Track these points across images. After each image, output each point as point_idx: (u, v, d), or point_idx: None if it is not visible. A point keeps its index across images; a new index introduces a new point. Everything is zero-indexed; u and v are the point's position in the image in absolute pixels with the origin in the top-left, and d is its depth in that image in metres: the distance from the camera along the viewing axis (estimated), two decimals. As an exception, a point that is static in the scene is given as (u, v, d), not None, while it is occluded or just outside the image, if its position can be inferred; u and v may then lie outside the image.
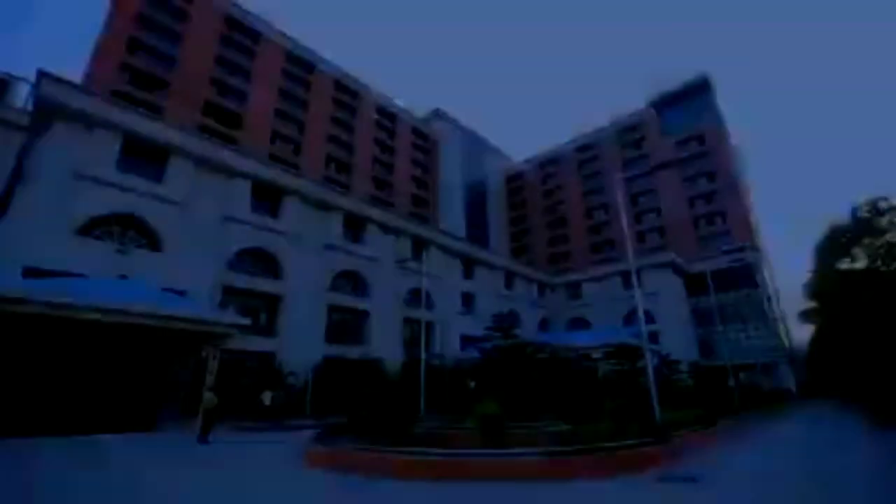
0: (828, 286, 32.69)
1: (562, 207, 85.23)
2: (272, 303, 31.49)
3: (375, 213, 41.35)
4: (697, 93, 74.81)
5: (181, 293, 22.99)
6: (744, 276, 55.71)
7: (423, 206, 71.09)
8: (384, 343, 37.05)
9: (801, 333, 59.08)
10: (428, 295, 42.32)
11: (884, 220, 30.12)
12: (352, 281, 37.64)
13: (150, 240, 25.60)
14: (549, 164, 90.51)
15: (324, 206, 36.81)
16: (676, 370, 28.14)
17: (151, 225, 25.36)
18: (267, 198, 33.73)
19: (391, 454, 8.35)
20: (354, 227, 39.89)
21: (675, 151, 72.24)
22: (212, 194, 29.34)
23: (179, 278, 24.14)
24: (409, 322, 39.72)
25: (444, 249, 47.37)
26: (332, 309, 34.88)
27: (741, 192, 66.57)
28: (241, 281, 29.34)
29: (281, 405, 21.42)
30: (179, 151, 27.95)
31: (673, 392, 23.86)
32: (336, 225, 37.23)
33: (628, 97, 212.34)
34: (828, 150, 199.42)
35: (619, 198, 14.71)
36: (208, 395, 15.83)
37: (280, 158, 51.61)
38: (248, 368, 27.71)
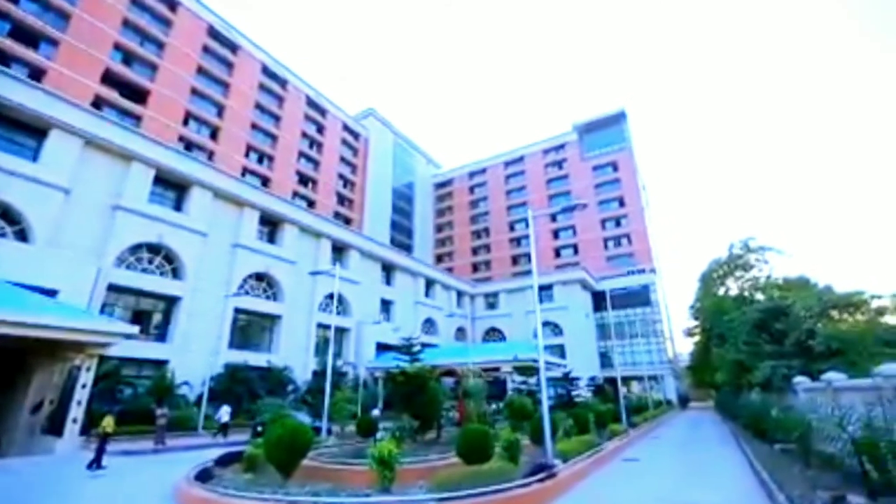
0: (707, 309, 37.12)
1: (487, 218, 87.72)
2: (169, 304, 28.68)
3: (294, 211, 39.38)
4: (615, 122, 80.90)
5: (51, 293, 20.02)
6: (642, 296, 61.33)
7: (348, 206, 69.27)
8: (295, 350, 35.45)
9: (685, 348, 66.18)
10: (343, 300, 41.23)
11: (752, 258, 34.81)
12: (264, 283, 35.51)
13: (16, 228, 22.08)
14: (477, 174, 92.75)
15: (236, 202, 34.34)
16: (577, 386, 30.01)
17: (17, 210, 21.87)
18: (171, 187, 30.72)
19: (270, 500, 7.83)
20: (271, 225, 37.74)
21: (592, 175, 77.70)
22: (102, 179, 26.06)
23: (50, 275, 21.01)
24: (323, 328, 38.34)
25: (366, 254, 46.50)
26: (240, 312, 32.64)
27: (645, 219, 73.21)
28: (132, 279, 26.35)
29: (169, 421, 19.40)
30: (60, 125, 24.36)
31: (572, 409, 25.53)
32: (249, 222, 34.89)
33: (557, 116, 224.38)
34: (725, 184, 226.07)
35: (531, 226, 15.30)
36: (108, 419, 13.88)
37: (193, 143, 47.35)
38: (135, 378, 24.90)
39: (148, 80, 44.40)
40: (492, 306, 63.99)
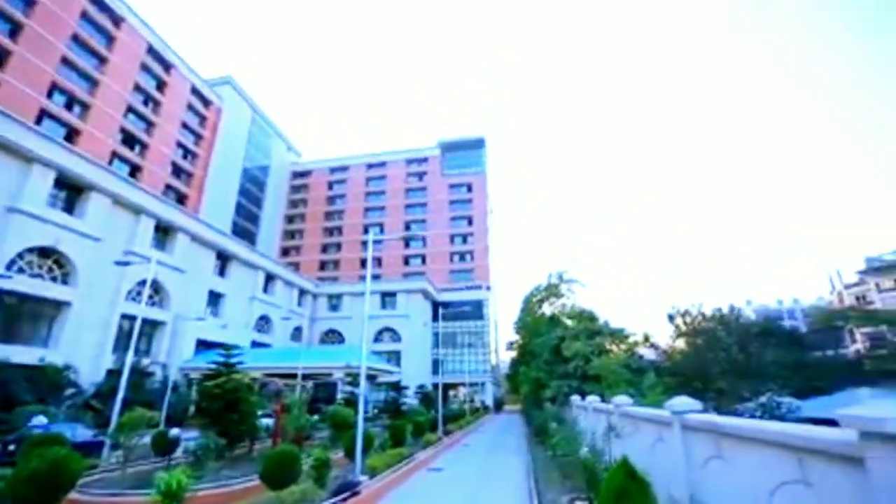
0: (526, 327, 42.60)
1: (342, 216, 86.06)
2: None
3: (104, 177, 32.77)
4: (475, 147, 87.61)
5: None
6: (476, 310, 67.29)
7: (185, 180, 60.72)
8: (87, 345, 29.56)
9: (507, 356, 74.59)
10: (162, 289, 36.04)
11: (563, 287, 41.10)
12: (51, 261, 28.83)
13: None
14: (339, 170, 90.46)
15: (10, 149, 26.80)
16: (405, 395, 31.44)
17: None
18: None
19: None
20: (71, 190, 30.95)
21: (448, 192, 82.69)
22: None
23: None
24: (130, 320, 32.77)
25: (198, 239, 41.40)
26: (6, 295, 25.88)
27: (488, 239, 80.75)
28: None
29: None
30: None
31: (397, 418, 26.71)
32: (40, 182, 28.05)
33: (422, 129, 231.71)
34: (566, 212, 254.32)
35: (369, 243, 15.84)
36: None
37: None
38: None
39: None
40: (334, 308, 62.79)
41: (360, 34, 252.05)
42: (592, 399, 14.60)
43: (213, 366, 15.19)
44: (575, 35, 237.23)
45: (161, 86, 57.69)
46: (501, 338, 79.23)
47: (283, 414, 15.17)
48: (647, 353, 24.38)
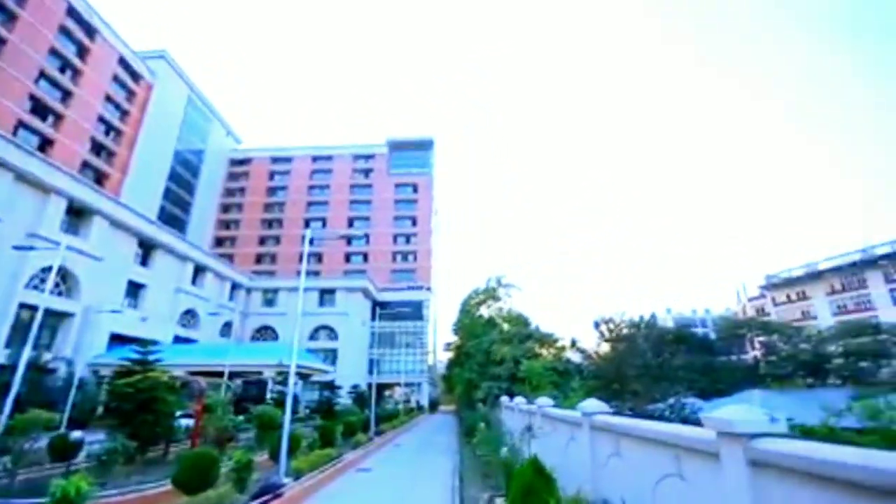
0: (464, 328, 43.30)
1: (283, 208, 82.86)
2: None
3: (5, 148, 29.22)
4: (423, 147, 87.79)
5: None
6: (416, 310, 67.43)
7: (106, 159, 55.70)
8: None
9: (444, 356, 75.42)
10: (71, 277, 32.84)
11: (501, 291, 42.30)
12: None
13: None
14: (281, 160, 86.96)
15: None
16: (339, 395, 30.93)
17: None
18: None
19: None
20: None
21: (394, 191, 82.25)
22: None
23: None
24: (31, 310, 29.52)
25: (117, 224, 38.14)
26: None
27: (431, 241, 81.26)
28: None
29: None
30: None
31: (330, 417, 26.24)
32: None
33: (369, 124, 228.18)
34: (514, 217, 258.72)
35: (306, 241, 15.54)
36: None
37: None
38: None
39: None
40: (269, 303, 60.29)
41: (314, 28, 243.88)
42: (519, 400, 15.24)
43: (126, 362, 14.13)
44: (527, 41, 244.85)
45: (83, 52, 52.51)
46: (440, 339, 79.97)
47: (204, 414, 14.42)
48: (575, 357, 25.82)
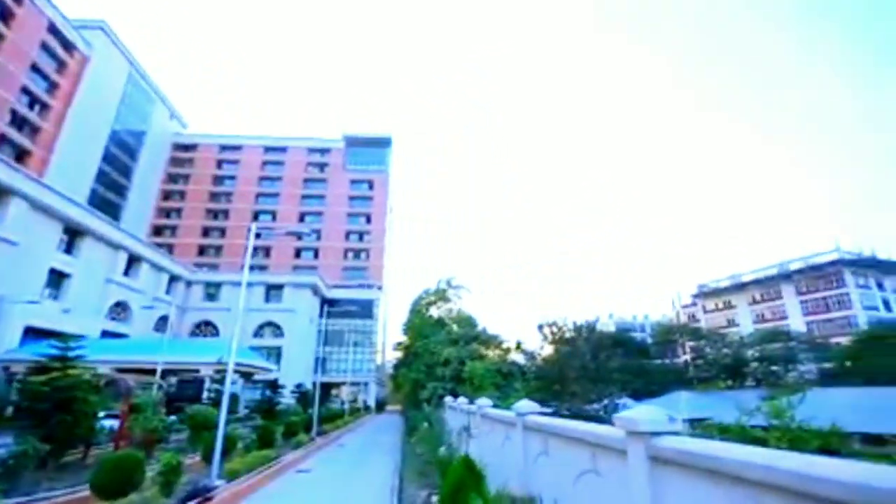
0: (414, 328, 43.36)
1: (231, 199, 79.25)
2: None
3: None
4: (381, 145, 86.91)
5: None
6: (366, 309, 66.65)
7: (30, 134, 50.89)
8: None
9: (393, 356, 74.98)
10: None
11: (451, 293, 42.79)
12: None
13: None
14: (231, 149, 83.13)
15: None
16: (281, 394, 30.04)
17: None
18: None
19: None
20: None
21: (349, 187, 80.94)
22: None
23: None
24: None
25: (39, 207, 34.97)
26: None
27: (385, 239, 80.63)
28: None
29: None
30: None
31: (270, 416, 25.46)
32: None
33: (326, 119, 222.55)
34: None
35: (251, 237, 15.08)
36: None
37: None
38: None
39: None
40: (211, 297, 57.41)
41: (273, 20, 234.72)
42: (461, 401, 15.56)
43: (42, 358, 13.05)
44: (493, 39, 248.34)
45: (5, 14, 47.69)
46: (390, 339, 79.51)
47: (130, 415, 13.58)
48: (520, 359, 26.63)
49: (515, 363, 25.63)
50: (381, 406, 68.75)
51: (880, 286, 63.73)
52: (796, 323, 61.26)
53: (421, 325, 39.80)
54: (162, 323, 50.04)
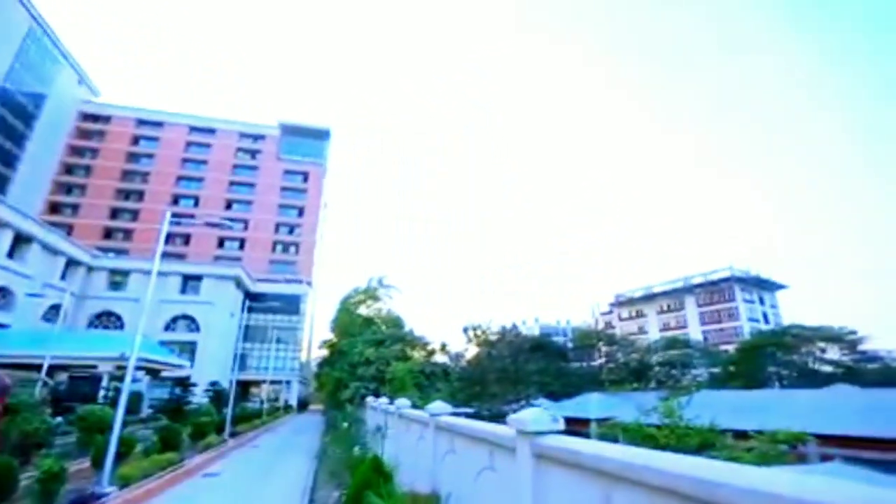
0: (342, 326, 42.59)
1: (147, 179, 72.61)
2: None
3: None
4: (319, 137, 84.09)
5: None
6: (293, 305, 64.17)
7: None
8: None
9: (318, 354, 72.81)
10: None
11: (381, 292, 42.60)
12: None
13: None
14: (150, 125, 76.16)
15: None
16: (192, 392, 28.18)
17: None
18: None
19: None
20: None
21: (282, 177, 77.55)
22: None
23: None
24: None
25: None
26: None
27: (317, 234, 78.21)
28: None
29: None
30: None
31: (177, 416, 23.78)
32: None
33: (262, 105, 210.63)
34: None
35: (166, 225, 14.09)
36: None
37: None
38: None
39: None
40: (117, 286, 52.21)
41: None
42: (382, 401, 15.64)
43: None
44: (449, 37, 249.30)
45: None
46: (316, 336, 77.20)
47: (5, 416, 12.05)
48: (444, 360, 27.17)
49: (439, 364, 26.12)
50: (303, 405, 66.48)
51: (762, 301, 72.86)
52: (695, 331, 68.35)
53: (349, 324, 39.17)
54: (54, 312, 44.75)
